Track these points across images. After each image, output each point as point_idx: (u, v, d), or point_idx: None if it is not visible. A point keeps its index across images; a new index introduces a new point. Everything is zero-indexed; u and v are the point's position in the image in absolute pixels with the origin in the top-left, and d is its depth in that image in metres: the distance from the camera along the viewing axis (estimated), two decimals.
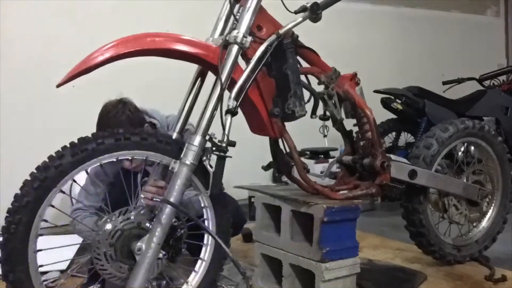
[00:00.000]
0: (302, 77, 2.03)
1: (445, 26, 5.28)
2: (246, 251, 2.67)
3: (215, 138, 1.68)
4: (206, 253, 1.94)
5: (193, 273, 1.93)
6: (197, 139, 1.70)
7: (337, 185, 2.19)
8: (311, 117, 2.09)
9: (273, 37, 1.87)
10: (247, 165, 3.61)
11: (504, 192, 2.69)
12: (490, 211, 2.68)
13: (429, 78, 4.51)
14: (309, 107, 2.04)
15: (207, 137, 1.71)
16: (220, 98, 1.71)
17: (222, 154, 1.65)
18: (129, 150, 1.72)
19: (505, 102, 4.17)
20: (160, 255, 1.68)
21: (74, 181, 1.68)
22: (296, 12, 1.96)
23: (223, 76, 1.74)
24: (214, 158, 1.70)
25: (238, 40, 1.78)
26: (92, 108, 2.32)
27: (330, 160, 3.77)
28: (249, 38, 1.80)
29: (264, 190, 2.26)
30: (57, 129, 3.44)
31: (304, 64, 2.13)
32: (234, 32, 1.80)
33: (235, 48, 1.78)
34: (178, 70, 2.24)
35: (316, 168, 3.71)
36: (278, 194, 2.14)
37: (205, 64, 1.81)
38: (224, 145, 1.66)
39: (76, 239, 2.48)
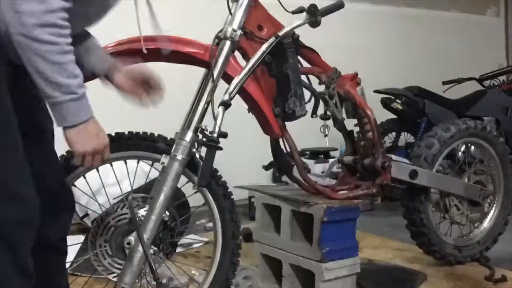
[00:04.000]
0: (303, 77, 2.03)
1: (445, 26, 5.27)
2: (246, 251, 2.66)
3: (207, 130, 1.69)
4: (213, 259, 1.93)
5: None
6: (188, 134, 1.70)
7: (338, 185, 2.19)
8: (312, 116, 2.10)
9: (272, 39, 1.88)
10: (247, 165, 3.61)
11: (506, 192, 2.69)
12: (492, 211, 2.68)
13: (429, 78, 4.50)
14: (309, 107, 2.04)
15: (199, 130, 1.71)
16: (212, 92, 1.72)
17: (212, 144, 1.64)
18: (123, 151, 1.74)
19: (505, 102, 4.16)
20: (152, 251, 1.67)
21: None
22: (293, 13, 1.97)
23: (216, 71, 1.75)
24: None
25: (228, 34, 1.80)
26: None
27: (330, 160, 3.77)
28: (239, 32, 1.82)
29: (264, 190, 2.26)
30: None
31: (305, 64, 2.13)
32: (225, 28, 1.82)
33: (226, 43, 1.80)
34: (183, 69, 2.23)
35: (316, 168, 3.70)
36: (278, 194, 2.14)
37: (199, 62, 1.82)
38: (215, 135, 1.66)
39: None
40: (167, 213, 1.72)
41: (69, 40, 1.22)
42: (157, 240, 1.68)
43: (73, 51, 1.24)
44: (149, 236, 1.65)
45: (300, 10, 1.97)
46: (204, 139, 1.67)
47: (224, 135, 1.69)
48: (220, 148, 1.66)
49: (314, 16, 1.93)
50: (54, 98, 1.23)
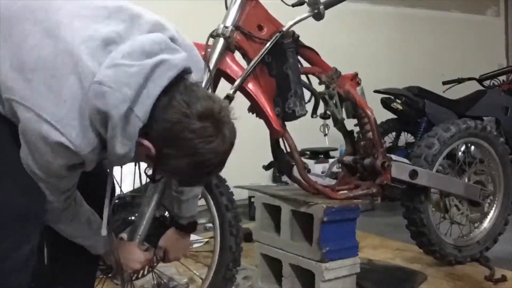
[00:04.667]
0: (303, 77, 2.03)
1: (445, 26, 5.27)
2: (246, 251, 2.66)
3: None
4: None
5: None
6: None
7: (338, 185, 2.19)
8: (312, 116, 2.10)
9: (277, 34, 1.90)
10: (247, 165, 3.60)
11: (506, 192, 2.69)
12: (492, 211, 2.68)
13: (429, 78, 4.49)
14: (309, 107, 2.04)
15: None
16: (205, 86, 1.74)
17: None
18: None
19: (505, 102, 4.16)
20: (143, 247, 1.65)
21: None
22: (293, 5, 1.98)
23: (210, 66, 1.76)
24: None
25: (220, 31, 1.83)
26: None
27: (330, 160, 3.77)
28: (230, 28, 1.83)
29: (264, 190, 2.26)
30: None
31: (305, 64, 2.13)
32: (218, 25, 1.84)
33: (218, 40, 1.83)
34: None
35: (316, 168, 3.70)
36: (278, 194, 2.14)
37: None
38: None
39: None
40: (163, 211, 1.72)
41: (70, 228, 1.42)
42: (151, 237, 1.67)
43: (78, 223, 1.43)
44: (141, 232, 1.65)
45: (300, 3, 1.97)
46: None
47: None
48: None
49: (315, 7, 1.93)
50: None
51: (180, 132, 1.13)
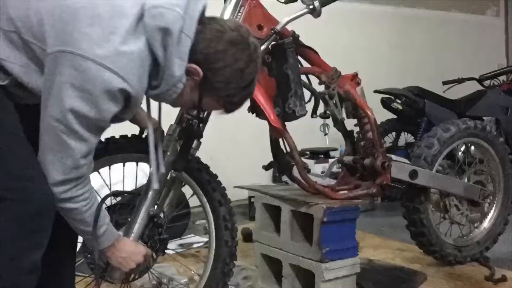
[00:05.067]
0: (303, 77, 2.03)
1: (445, 26, 5.28)
2: (246, 251, 2.67)
3: (191, 120, 1.73)
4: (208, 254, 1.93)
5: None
6: (171, 128, 1.76)
7: (338, 185, 2.19)
8: (312, 116, 2.10)
9: (271, 33, 1.90)
10: (247, 165, 3.60)
11: (506, 192, 2.69)
12: (492, 211, 2.68)
13: (429, 78, 4.50)
14: (309, 107, 2.04)
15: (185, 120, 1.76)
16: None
17: (190, 128, 1.69)
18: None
19: (505, 102, 4.16)
20: None
21: None
22: (286, 2, 1.98)
23: None
24: None
25: None
26: None
27: (330, 160, 3.77)
28: None
29: (264, 190, 2.26)
30: None
31: (305, 64, 2.13)
32: None
33: None
34: None
35: (316, 168, 3.70)
36: (278, 194, 2.14)
37: None
38: (195, 121, 1.72)
39: None
40: (161, 212, 1.72)
41: (85, 202, 1.37)
42: (145, 237, 1.67)
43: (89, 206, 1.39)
44: (135, 230, 1.64)
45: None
46: (183, 124, 1.72)
47: (203, 120, 1.73)
48: (200, 134, 1.71)
49: (310, 3, 1.92)
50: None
51: (219, 45, 1.32)
